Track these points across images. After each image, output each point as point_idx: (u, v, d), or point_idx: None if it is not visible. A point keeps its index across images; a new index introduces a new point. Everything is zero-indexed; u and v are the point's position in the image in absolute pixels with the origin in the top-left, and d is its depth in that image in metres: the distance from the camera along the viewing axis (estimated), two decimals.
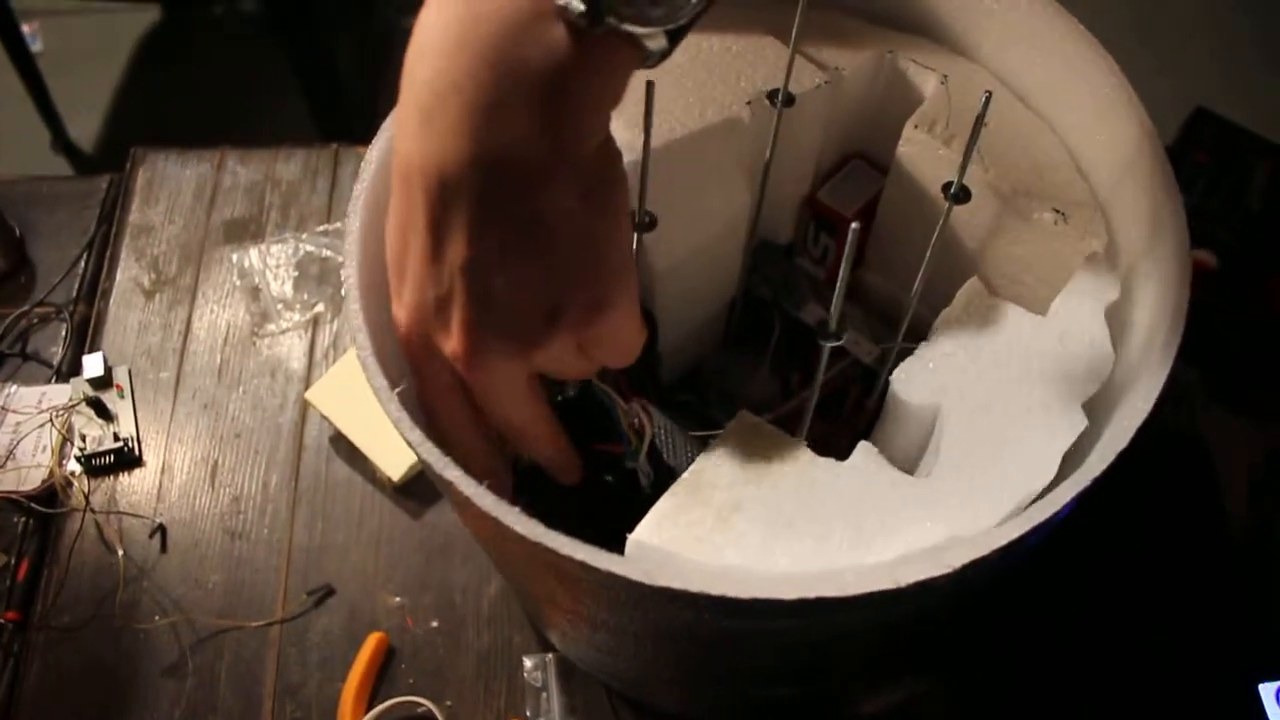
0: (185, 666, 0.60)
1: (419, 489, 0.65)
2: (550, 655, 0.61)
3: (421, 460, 0.36)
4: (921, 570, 0.33)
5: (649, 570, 0.33)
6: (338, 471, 0.66)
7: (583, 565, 0.33)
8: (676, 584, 0.32)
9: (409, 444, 0.37)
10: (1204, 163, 0.79)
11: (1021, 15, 0.48)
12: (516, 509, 0.34)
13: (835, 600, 0.33)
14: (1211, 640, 0.62)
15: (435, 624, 0.62)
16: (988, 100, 0.40)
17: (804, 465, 0.39)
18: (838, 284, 0.36)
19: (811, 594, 0.32)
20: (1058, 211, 0.46)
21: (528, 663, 0.60)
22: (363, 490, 0.66)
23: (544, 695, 0.60)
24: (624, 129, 0.46)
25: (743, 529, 0.37)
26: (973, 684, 0.61)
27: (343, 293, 0.41)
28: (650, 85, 0.39)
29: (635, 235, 0.44)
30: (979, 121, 0.40)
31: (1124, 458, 0.36)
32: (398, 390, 0.37)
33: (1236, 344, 0.74)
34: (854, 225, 0.35)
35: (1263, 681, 0.58)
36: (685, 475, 0.39)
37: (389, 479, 0.64)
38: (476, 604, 0.62)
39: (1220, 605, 0.63)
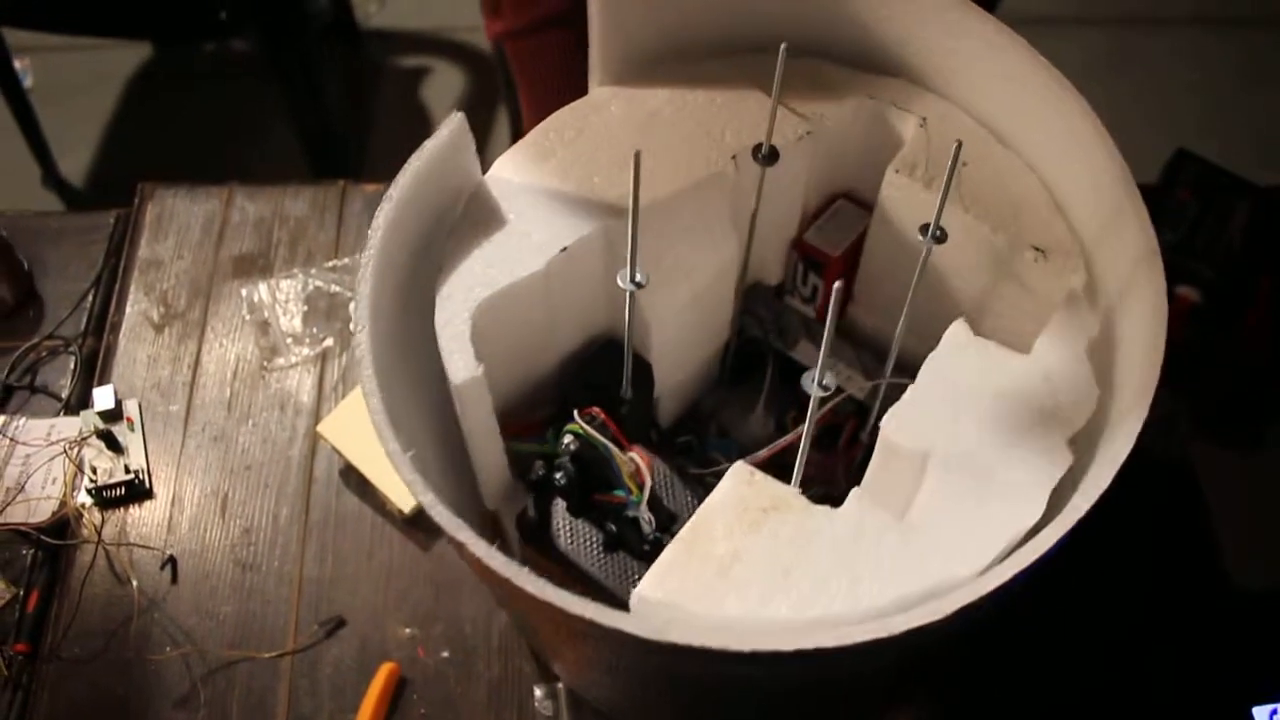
0: (197, 698, 0.60)
1: (429, 521, 0.65)
2: (561, 685, 0.61)
3: (436, 520, 0.37)
4: (915, 618, 0.35)
5: (655, 626, 0.34)
6: (348, 504, 0.67)
7: (590, 623, 0.34)
8: (681, 639, 0.34)
9: (425, 507, 0.38)
10: (1186, 201, 0.82)
11: (994, 57, 0.49)
12: (526, 569, 0.35)
13: (833, 650, 0.34)
14: (1207, 664, 0.64)
15: (446, 654, 0.62)
16: (958, 149, 0.41)
17: (799, 514, 0.41)
18: (823, 340, 0.37)
19: (810, 645, 0.34)
20: (1037, 249, 0.47)
21: (538, 692, 0.61)
22: (373, 522, 0.66)
23: None
24: (616, 191, 0.47)
25: (743, 579, 0.39)
26: (971, 713, 0.62)
27: (356, 355, 0.41)
28: (638, 156, 0.39)
29: (628, 294, 0.45)
30: (953, 168, 0.41)
31: (1108, 495, 0.38)
32: (409, 454, 0.38)
33: (1221, 376, 0.76)
34: (836, 285, 0.36)
35: (1257, 704, 0.60)
36: (684, 530, 0.40)
37: (399, 510, 0.65)
38: (487, 634, 0.63)
39: (1214, 630, 0.65)
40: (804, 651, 0.34)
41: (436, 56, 1.83)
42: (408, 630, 0.63)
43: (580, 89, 0.51)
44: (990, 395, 0.44)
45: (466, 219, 0.47)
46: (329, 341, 0.72)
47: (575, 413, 0.48)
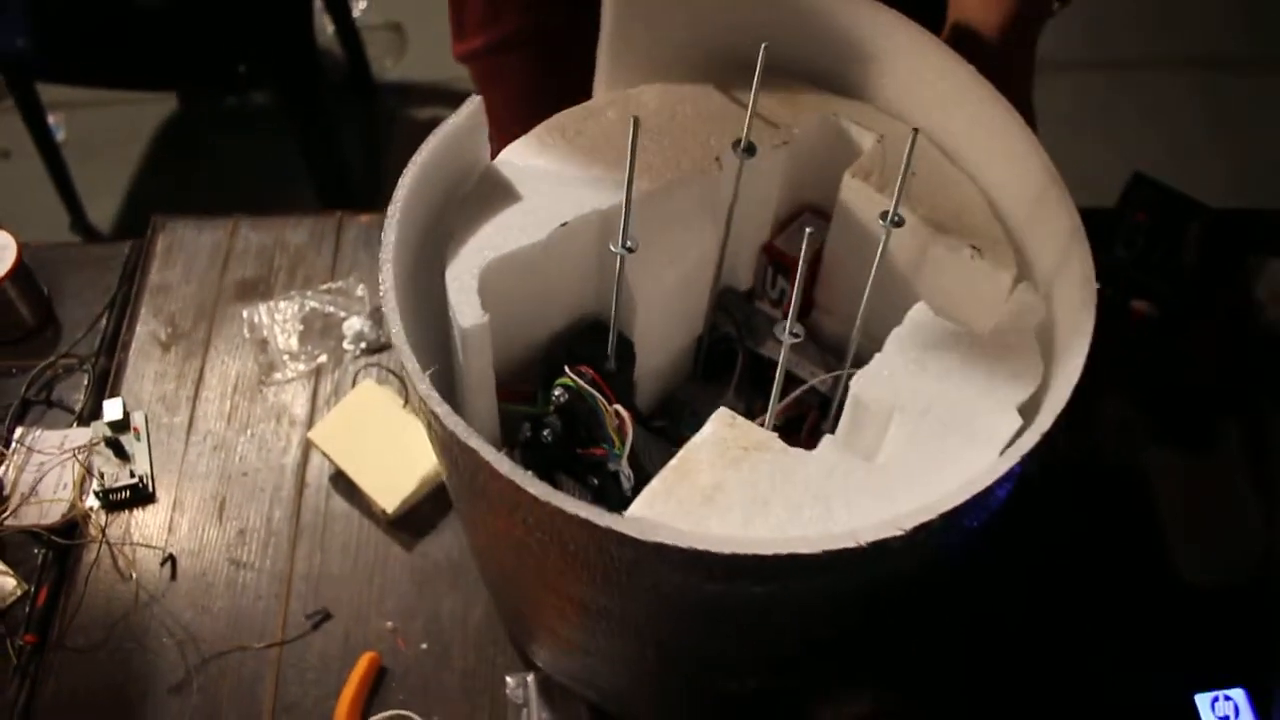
0: (190, 685, 0.64)
1: (411, 522, 0.70)
2: (531, 675, 0.65)
3: (448, 432, 0.41)
4: (880, 531, 0.38)
5: (644, 527, 0.38)
6: (337, 507, 0.71)
7: (586, 523, 0.38)
8: (669, 540, 0.37)
9: (436, 418, 0.41)
10: (1142, 222, 0.86)
11: (943, 81, 0.54)
12: (530, 473, 0.39)
13: (806, 556, 0.38)
14: (1154, 654, 0.66)
15: (424, 646, 0.66)
16: (914, 138, 0.47)
17: (776, 454, 0.45)
18: (793, 296, 0.43)
19: (786, 550, 0.38)
20: (974, 248, 0.52)
21: (510, 681, 0.65)
22: (359, 524, 0.71)
23: (524, 711, 0.64)
24: (611, 180, 0.52)
25: (725, 505, 0.43)
26: (929, 700, 0.65)
27: (380, 292, 0.46)
28: (636, 120, 0.45)
29: (619, 259, 0.51)
30: (909, 156, 0.47)
31: (1047, 441, 0.42)
32: (429, 372, 0.43)
33: (1174, 385, 0.79)
34: (808, 231, 0.41)
35: (1199, 692, 0.62)
36: (672, 462, 0.45)
37: (384, 511, 0.69)
38: (463, 628, 0.67)
39: (1161, 623, 0.68)
40: (781, 556, 0.37)
41: (449, 107, 1.89)
42: (389, 623, 0.67)
43: (541, 107, 0.56)
44: (948, 365, 0.48)
45: (477, 193, 0.52)
46: (323, 358, 0.77)
47: (566, 368, 0.52)
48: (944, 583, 0.56)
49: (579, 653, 0.56)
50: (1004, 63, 0.53)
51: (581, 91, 0.66)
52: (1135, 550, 0.71)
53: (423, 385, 0.42)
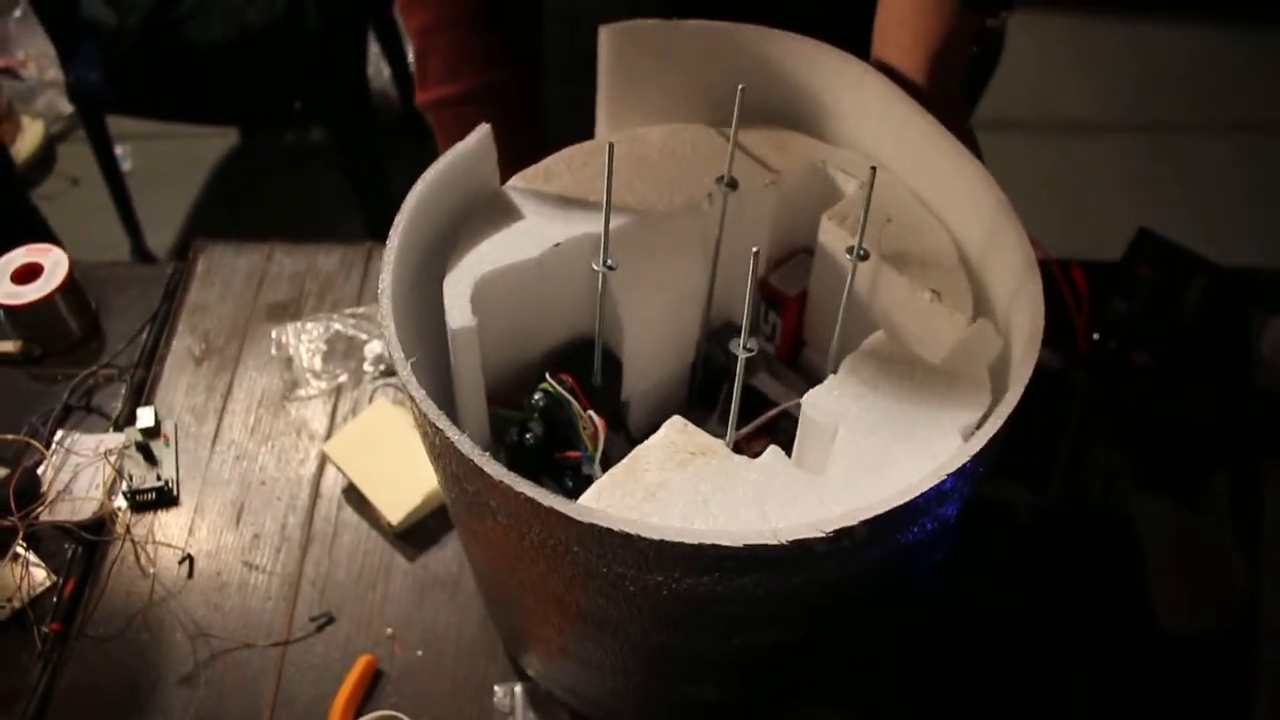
0: (199, 677, 0.68)
1: (415, 535, 0.74)
2: (519, 685, 0.68)
3: (431, 426, 0.44)
4: (800, 531, 0.41)
5: (582, 511, 0.41)
6: (347, 518, 0.75)
7: (530, 501, 0.42)
8: (602, 522, 0.41)
9: (421, 413, 0.45)
10: (1145, 275, 0.88)
11: (910, 133, 0.58)
12: (500, 465, 0.43)
13: (728, 549, 0.41)
14: (1131, 699, 0.67)
15: (420, 653, 0.69)
16: (873, 174, 0.50)
17: (721, 460, 0.48)
18: (745, 306, 0.47)
19: (709, 540, 0.41)
20: (934, 291, 0.55)
21: (498, 691, 0.68)
22: (367, 535, 0.74)
23: (510, 719, 0.67)
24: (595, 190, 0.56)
25: (667, 502, 0.46)
26: None
27: (379, 290, 0.50)
28: (611, 146, 0.50)
29: (600, 277, 0.55)
30: (869, 193, 0.51)
31: (981, 459, 0.45)
32: (411, 361, 0.46)
33: (1167, 439, 0.80)
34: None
35: None
36: (622, 461, 0.48)
37: (390, 524, 0.73)
38: (457, 639, 0.70)
39: (1138, 668, 0.69)
40: (702, 546, 0.40)
41: None
42: (388, 629, 0.70)
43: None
44: (898, 390, 0.51)
45: (483, 213, 0.57)
46: (343, 378, 0.82)
47: (547, 374, 0.56)
48: (897, 606, 0.58)
49: (555, 652, 0.59)
50: (928, 103, 0.57)
51: (530, 136, 0.73)
52: (1117, 595, 0.72)
53: (404, 371, 0.46)
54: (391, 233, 0.52)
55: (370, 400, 0.80)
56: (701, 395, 0.68)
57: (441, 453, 0.46)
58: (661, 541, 0.41)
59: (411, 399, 0.46)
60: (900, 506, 0.42)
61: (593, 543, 0.42)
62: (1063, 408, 0.81)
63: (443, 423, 0.44)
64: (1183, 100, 2.05)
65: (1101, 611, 0.71)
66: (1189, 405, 0.81)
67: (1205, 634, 0.70)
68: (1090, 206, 1.70)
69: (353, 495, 0.76)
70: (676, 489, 0.47)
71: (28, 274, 0.82)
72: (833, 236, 0.59)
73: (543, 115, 0.79)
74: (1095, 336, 0.84)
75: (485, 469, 0.43)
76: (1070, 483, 0.77)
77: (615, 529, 0.41)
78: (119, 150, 1.74)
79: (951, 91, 0.67)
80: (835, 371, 0.56)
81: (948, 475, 0.43)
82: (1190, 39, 2.12)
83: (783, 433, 0.64)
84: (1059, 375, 0.83)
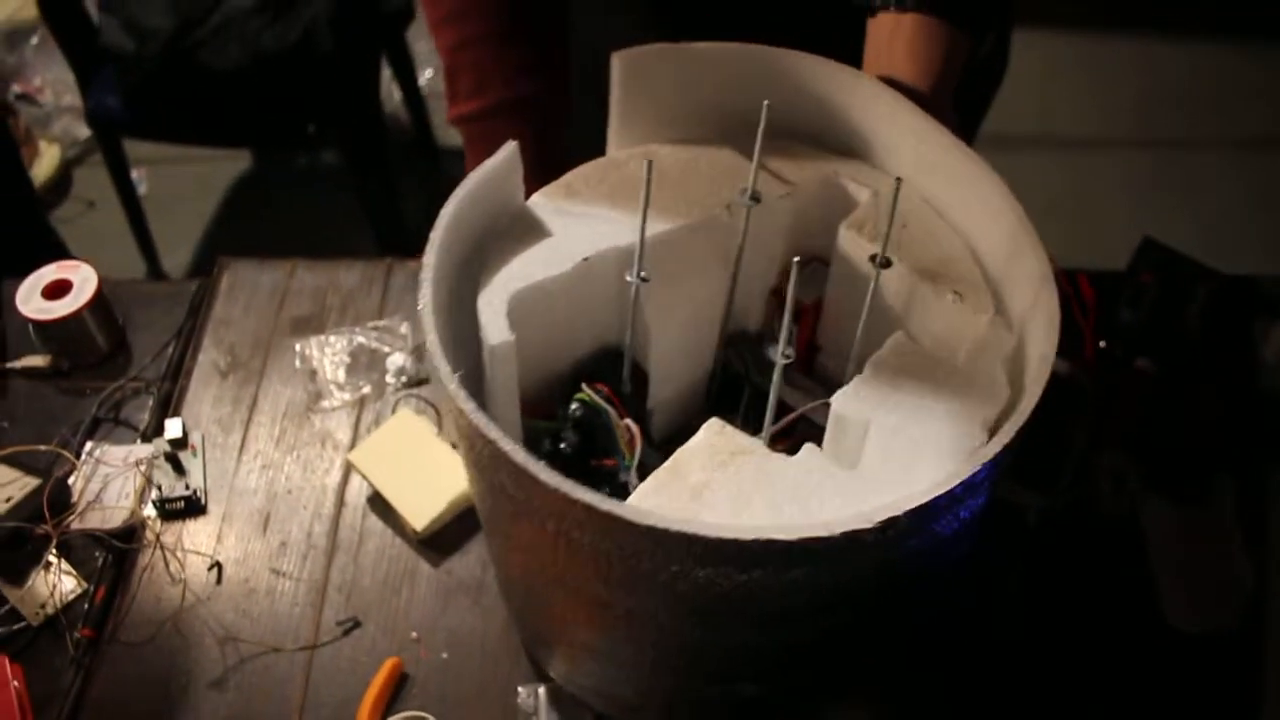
0: (228, 681, 0.69)
1: (439, 541, 0.76)
2: (542, 687, 0.69)
3: (481, 438, 0.46)
4: (852, 523, 0.43)
5: (640, 514, 0.43)
6: (372, 525, 0.77)
7: (588, 507, 0.43)
8: (660, 524, 0.42)
9: (471, 425, 0.46)
10: (1149, 283, 0.89)
11: (923, 144, 0.60)
12: (543, 463, 0.44)
13: (784, 542, 0.42)
14: (1142, 699, 0.69)
15: (445, 656, 0.71)
16: (898, 187, 0.53)
17: (760, 458, 0.50)
18: (784, 316, 0.49)
19: (766, 535, 0.42)
20: (957, 293, 0.57)
21: (521, 692, 0.69)
22: (392, 541, 0.76)
23: (534, 719, 0.68)
24: (630, 223, 0.58)
25: (712, 501, 0.48)
26: None
27: (419, 307, 0.52)
28: (650, 164, 0.52)
29: (634, 289, 0.57)
30: (894, 203, 0.53)
31: (1007, 453, 0.47)
32: (458, 374, 0.48)
33: (1172, 442, 0.82)
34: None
35: None
36: (665, 464, 0.50)
37: (414, 530, 0.75)
38: (482, 642, 0.71)
39: (1148, 667, 0.70)
40: (760, 541, 0.42)
41: None
42: (414, 633, 0.72)
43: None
44: (922, 387, 0.53)
45: (510, 230, 0.59)
46: (366, 389, 0.84)
47: (584, 384, 0.58)
48: (926, 596, 0.60)
49: (585, 654, 0.60)
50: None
51: (558, 148, 0.75)
52: (1126, 595, 0.73)
53: (451, 385, 0.47)
54: (428, 249, 0.54)
55: (393, 411, 0.82)
56: (719, 401, 0.70)
57: (489, 463, 0.48)
58: (720, 539, 0.42)
59: (460, 411, 0.47)
60: (939, 496, 0.44)
61: (648, 544, 0.44)
62: (1071, 413, 0.83)
63: (494, 434, 0.46)
64: (1185, 115, 2.08)
65: (1110, 611, 0.72)
66: (1194, 410, 0.83)
67: (1212, 633, 0.71)
68: (1095, 219, 1.72)
69: (377, 503, 0.77)
70: (720, 488, 0.48)
71: (57, 290, 0.84)
72: (851, 244, 0.61)
73: (568, 128, 0.81)
74: (1102, 344, 0.85)
75: (541, 478, 0.44)
76: (1079, 486, 0.78)
77: (673, 529, 0.42)
78: (134, 174, 1.77)
79: (945, 108, 0.69)
80: (857, 373, 0.58)
81: (981, 465, 0.45)
82: (1192, 55, 2.15)
83: (809, 438, 0.66)
84: (1067, 382, 0.84)
